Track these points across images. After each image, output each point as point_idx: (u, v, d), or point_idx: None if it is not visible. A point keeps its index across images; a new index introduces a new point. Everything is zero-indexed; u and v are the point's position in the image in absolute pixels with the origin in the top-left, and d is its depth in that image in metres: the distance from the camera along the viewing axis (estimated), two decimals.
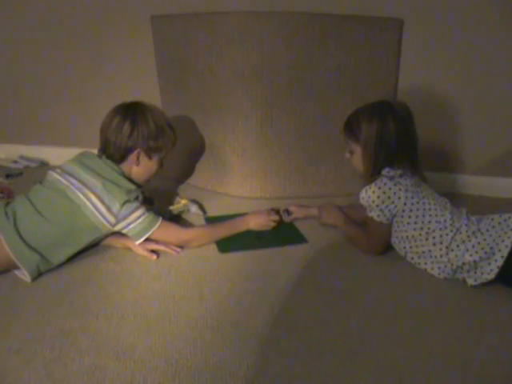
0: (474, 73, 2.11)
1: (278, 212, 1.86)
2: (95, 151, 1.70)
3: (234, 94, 2.03)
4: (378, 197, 1.54)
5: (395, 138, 1.51)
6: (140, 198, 1.63)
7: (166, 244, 1.66)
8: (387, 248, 1.66)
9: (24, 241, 1.46)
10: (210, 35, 1.99)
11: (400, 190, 1.53)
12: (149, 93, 2.21)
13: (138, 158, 1.66)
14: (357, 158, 1.60)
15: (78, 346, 1.22)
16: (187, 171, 2.30)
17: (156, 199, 1.87)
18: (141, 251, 1.64)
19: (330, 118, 2.06)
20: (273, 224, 1.81)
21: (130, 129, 1.62)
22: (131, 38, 2.33)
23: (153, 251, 1.65)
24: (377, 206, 1.55)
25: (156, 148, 1.68)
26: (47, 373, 1.14)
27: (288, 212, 1.89)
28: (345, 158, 1.66)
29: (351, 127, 1.59)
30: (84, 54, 2.41)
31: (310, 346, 1.24)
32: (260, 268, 1.60)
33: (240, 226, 1.78)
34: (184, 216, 1.94)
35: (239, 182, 2.17)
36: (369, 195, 1.56)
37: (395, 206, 1.54)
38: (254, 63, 1.97)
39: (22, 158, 2.61)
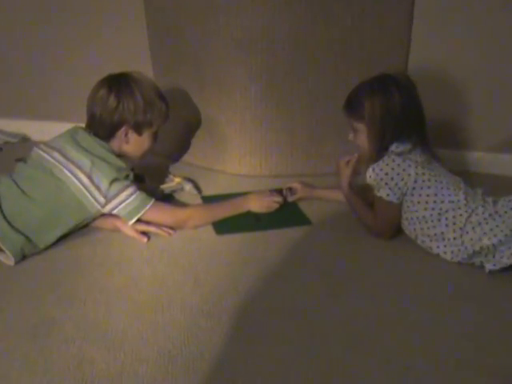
0: (490, 45, 2.07)
1: (280, 193, 1.85)
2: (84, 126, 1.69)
3: (232, 64, 2.01)
4: (387, 174, 1.53)
5: (401, 111, 1.51)
6: (131, 176, 1.64)
7: (157, 225, 1.65)
8: (397, 231, 1.64)
9: (8, 222, 1.46)
10: (206, 1, 1.96)
11: (410, 166, 1.52)
12: (140, 63, 2.17)
13: (126, 135, 1.66)
14: (362, 136, 1.60)
15: (63, 336, 1.22)
16: (181, 147, 2.28)
17: (147, 177, 1.87)
18: (130, 233, 1.63)
19: (336, 90, 2.01)
20: (275, 206, 1.80)
21: (116, 103, 1.61)
22: (121, 4, 2.29)
23: (143, 233, 1.64)
24: (386, 184, 1.54)
25: (145, 123, 1.66)
26: (29, 364, 1.13)
27: (291, 190, 1.88)
28: (348, 138, 1.67)
29: (353, 105, 1.60)
30: (70, 23, 2.37)
31: (311, 333, 1.24)
32: (259, 251, 1.59)
33: (240, 206, 1.77)
34: (177, 196, 1.94)
35: (237, 159, 2.15)
36: (376, 173, 1.55)
37: (405, 184, 1.53)
38: (253, 31, 1.93)
39: (0, 132, 2.56)
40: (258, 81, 2.01)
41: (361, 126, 1.59)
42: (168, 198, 1.88)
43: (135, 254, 1.57)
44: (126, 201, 1.58)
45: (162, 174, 2.03)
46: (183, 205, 1.84)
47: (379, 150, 1.57)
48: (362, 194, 1.74)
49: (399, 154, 1.54)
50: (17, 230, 1.47)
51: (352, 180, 1.75)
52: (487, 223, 1.44)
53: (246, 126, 2.09)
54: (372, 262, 1.54)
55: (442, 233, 1.51)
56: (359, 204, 1.71)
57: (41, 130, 2.43)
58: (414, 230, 1.58)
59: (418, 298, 1.37)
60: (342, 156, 1.77)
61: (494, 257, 1.44)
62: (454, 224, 1.48)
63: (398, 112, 1.51)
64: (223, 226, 1.71)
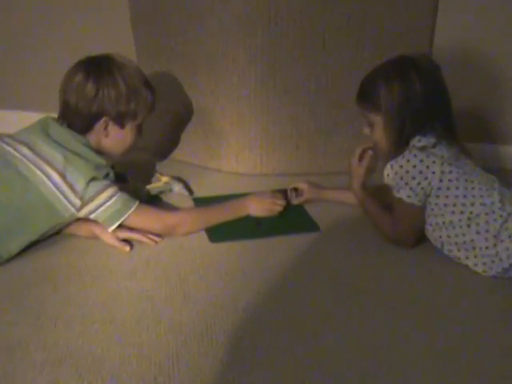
0: None
1: (285, 194, 1.85)
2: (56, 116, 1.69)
3: (229, 44, 2.01)
4: (407, 172, 1.53)
5: (423, 99, 1.52)
6: (111, 175, 1.64)
7: (142, 232, 1.65)
8: (420, 239, 1.64)
9: None
10: None
11: (434, 162, 1.52)
12: (120, 44, 2.18)
13: (106, 128, 1.66)
14: (378, 131, 1.61)
15: (31, 361, 1.20)
16: (169, 142, 2.28)
17: (130, 176, 1.86)
18: (110, 241, 1.62)
19: (348, 75, 2.03)
20: (278, 209, 1.80)
21: (94, 91, 1.60)
22: None
23: (126, 241, 1.63)
24: (406, 183, 1.54)
25: (128, 114, 1.67)
26: None
27: (296, 191, 1.87)
28: (363, 133, 1.68)
29: (367, 94, 1.61)
30: None
31: (322, 358, 1.22)
32: (260, 262, 1.59)
33: (238, 210, 1.78)
34: (165, 198, 1.94)
35: (234, 155, 2.16)
36: (395, 171, 1.55)
37: (429, 183, 1.53)
38: (252, 4, 1.93)
39: None
40: (258, 64, 2.01)
41: (377, 119, 1.59)
42: (154, 201, 1.88)
43: (116, 265, 1.56)
44: (106, 203, 1.57)
45: (148, 173, 2.02)
46: (172, 208, 1.84)
47: (398, 145, 1.57)
48: (379, 195, 1.74)
49: (422, 149, 1.53)
50: None
51: (366, 180, 1.75)
52: None
53: (245, 117, 2.09)
54: (391, 275, 1.54)
55: (473, 241, 1.50)
56: (375, 208, 1.70)
57: (5, 121, 2.40)
58: (440, 237, 1.57)
59: (445, 318, 1.36)
60: (356, 150, 1.75)
61: None
62: (487, 231, 1.47)
63: (420, 100, 1.52)
64: (218, 233, 1.71)
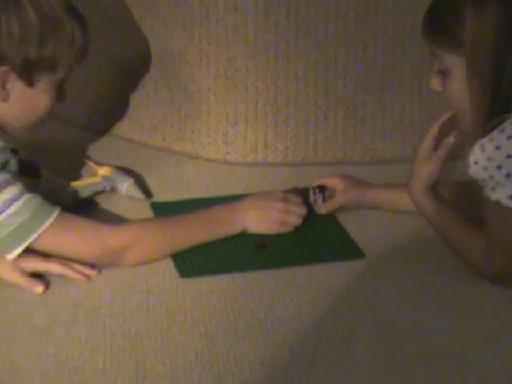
0: None
1: (305, 197, 1.87)
2: None
3: None
4: (509, 157, 1.52)
5: None
6: (12, 164, 1.68)
7: (65, 261, 1.64)
8: None
9: None
10: None
11: None
12: None
13: (3, 86, 1.66)
14: (457, 83, 1.61)
15: None
16: (111, 109, 2.33)
17: (44, 167, 1.88)
18: (12, 276, 1.62)
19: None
20: (294, 221, 1.82)
21: None
22: None
23: (37, 275, 1.63)
24: (507, 175, 1.52)
25: (42, 62, 1.67)
26: None
27: (324, 191, 1.86)
28: (430, 87, 1.71)
29: (442, 24, 1.62)
30: None
31: None
32: (265, 310, 1.58)
33: (227, 223, 1.81)
34: (104, 203, 1.97)
35: (221, 133, 2.18)
36: (488, 156, 1.55)
37: None
38: None
39: None
40: None
41: (456, 62, 1.59)
42: (86, 208, 1.91)
43: (21, 317, 1.55)
44: (3, 213, 1.56)
45: (76, 161, 2.07)
46: (117, 220, 1.86)
47: (492, 111, 1.56)
48: (458, 199, 1.81)
49: None
50: None
51: (438, 177, 1.75)
52: None
53: (239, 69, 2.12)
54: (475, 328, 1.53)
55: None
56: (453, 221, 1.71)
57: None
58: None
59: None
60: (431, 130, 1.74)
61: None
62: None
63: None
64: (194, 262, 1.72)
